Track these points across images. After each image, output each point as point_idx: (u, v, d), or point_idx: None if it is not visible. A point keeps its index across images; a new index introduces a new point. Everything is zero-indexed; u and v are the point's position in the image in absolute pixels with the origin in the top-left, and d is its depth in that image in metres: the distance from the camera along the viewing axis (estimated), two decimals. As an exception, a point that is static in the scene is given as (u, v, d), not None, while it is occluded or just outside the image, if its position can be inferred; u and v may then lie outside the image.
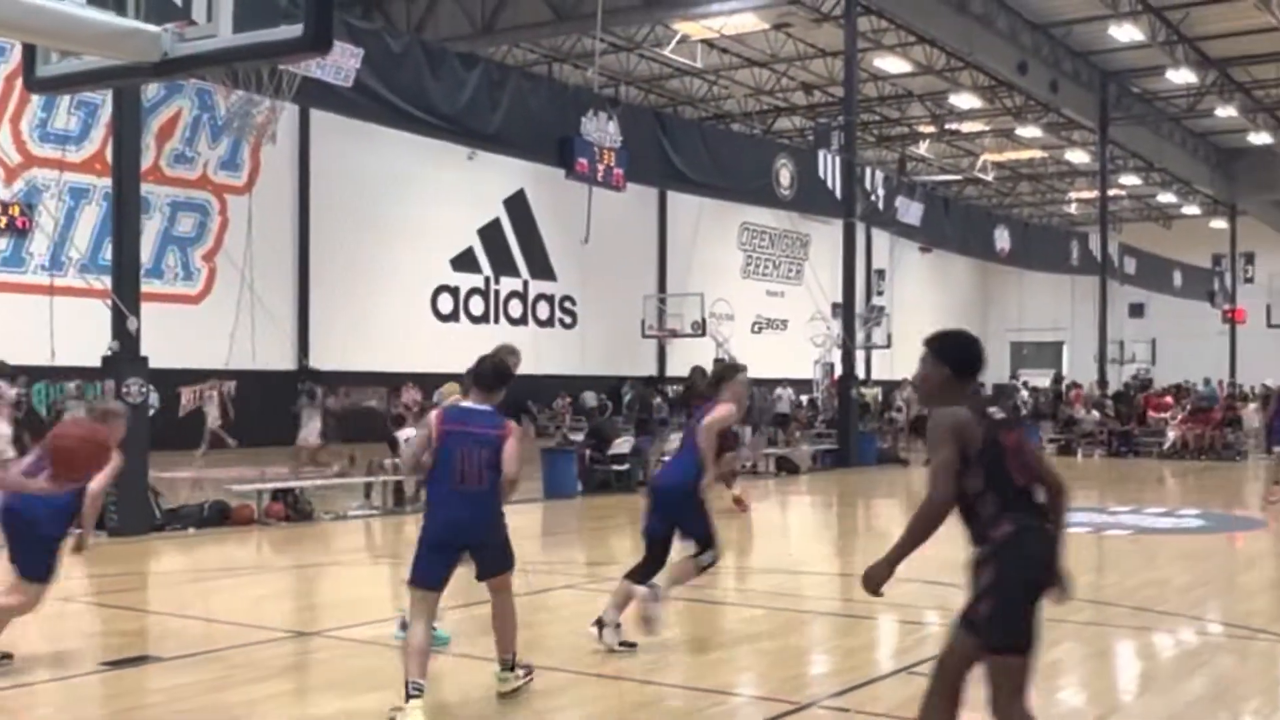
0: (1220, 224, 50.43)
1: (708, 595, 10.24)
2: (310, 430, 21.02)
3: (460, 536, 6.70)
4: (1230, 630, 9.34)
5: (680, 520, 8.32)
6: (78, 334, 15.90)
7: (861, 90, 32.28)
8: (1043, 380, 44.23)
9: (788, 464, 24.88)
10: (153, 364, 14.68)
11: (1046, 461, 4.91)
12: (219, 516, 15.25)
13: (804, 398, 38.01)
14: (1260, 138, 40.79)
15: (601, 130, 20.65)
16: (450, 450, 6.66)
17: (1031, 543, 4.66)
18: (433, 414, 6.94)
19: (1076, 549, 14.92)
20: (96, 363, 14.63)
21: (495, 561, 6.85)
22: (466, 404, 6.93)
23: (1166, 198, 50.24)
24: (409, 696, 6.33)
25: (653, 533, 8.36)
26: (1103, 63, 35.35)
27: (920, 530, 4.64)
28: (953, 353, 4.89)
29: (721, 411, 8.37)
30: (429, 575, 6.71)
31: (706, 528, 8.35)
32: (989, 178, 47.68)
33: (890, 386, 36.78)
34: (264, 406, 25.75)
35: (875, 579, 4.73)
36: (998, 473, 4.65)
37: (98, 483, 7.64)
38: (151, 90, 24.48)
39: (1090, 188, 46.08)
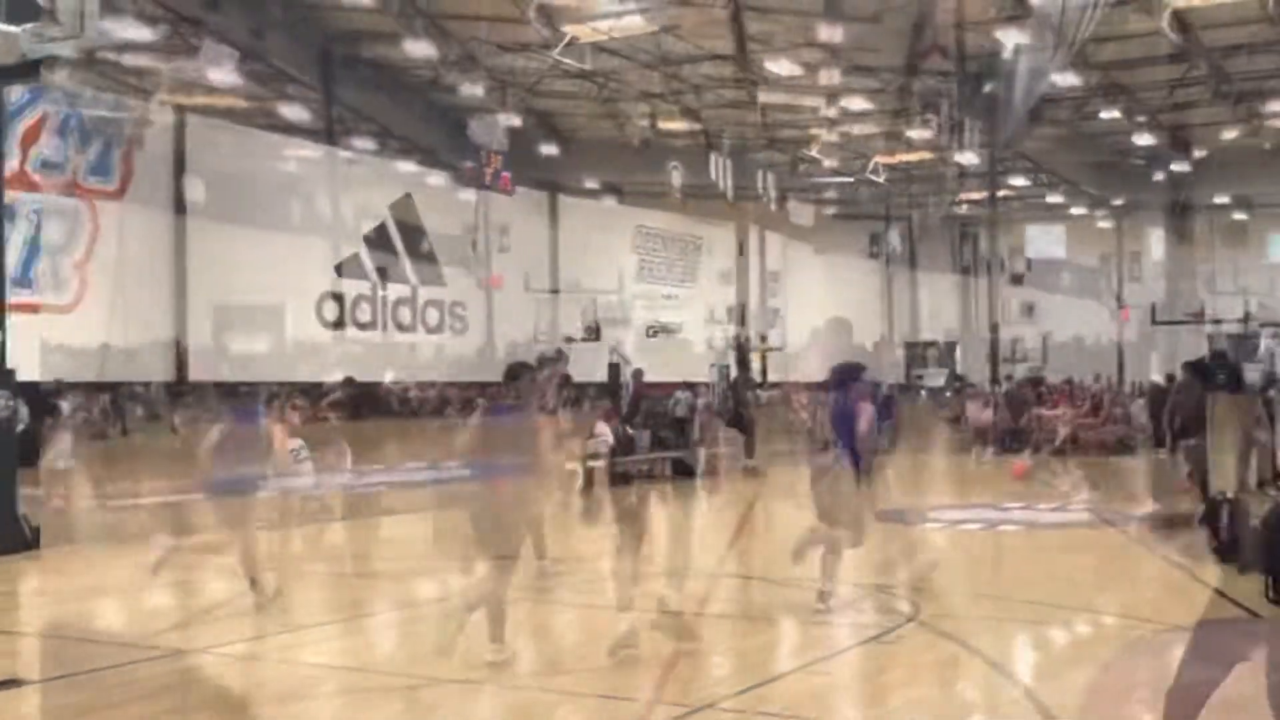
0: (1107, 224, 51.59)
1: (604, 600, 10.09)
2: (58, 452, 16.49)
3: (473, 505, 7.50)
4: (1120, 620, 9.47)
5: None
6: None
7: (752, 92, 32.41)
8: (938, 380, 44.80)
9: (683, 467, 24.77)
10: (21, 376, 14.18)
11: None
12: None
13: (701, 401, 37.98)
14: (1143, 139, 41.69)
15: (489, 134, 20.45)
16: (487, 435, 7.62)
17: None
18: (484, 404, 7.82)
19: (971, 545, 15.07)
20: (-38, 376, 14.09)
21: (488, 540, 7.41)
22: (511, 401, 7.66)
23: (1055, 198, 51.20)
24: None
25: None
26: (988, 66, 35.82)
27: None
28: (1206, 375, 5.50)
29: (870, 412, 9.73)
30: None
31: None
32: (880, 179, 48.13)
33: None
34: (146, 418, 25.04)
35: None
36: None
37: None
38: (15, 93, 23.71)
39: (980, 189, 46.78)
